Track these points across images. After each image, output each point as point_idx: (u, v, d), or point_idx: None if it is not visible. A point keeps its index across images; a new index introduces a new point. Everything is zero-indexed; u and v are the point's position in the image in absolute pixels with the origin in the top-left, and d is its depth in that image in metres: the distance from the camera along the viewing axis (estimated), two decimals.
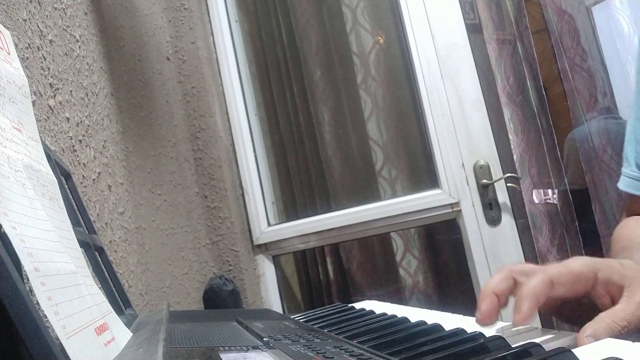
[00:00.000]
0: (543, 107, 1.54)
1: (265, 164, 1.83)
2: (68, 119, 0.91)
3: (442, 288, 1.82)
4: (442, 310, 0.68)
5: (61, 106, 0.90)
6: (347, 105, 1.83)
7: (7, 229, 0.38)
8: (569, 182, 1.54)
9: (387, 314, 0.66)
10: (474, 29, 1.56)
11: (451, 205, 1.52)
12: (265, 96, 1.88)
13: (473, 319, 0.57)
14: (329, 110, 1.84)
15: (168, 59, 1.64)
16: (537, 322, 1.38)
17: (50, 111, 0.85)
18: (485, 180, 1.49)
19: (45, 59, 0.87)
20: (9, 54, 0.55)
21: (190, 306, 1.40)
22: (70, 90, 0.95)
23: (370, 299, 0.94)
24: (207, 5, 1.79)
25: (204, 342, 0.55)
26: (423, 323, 0.58)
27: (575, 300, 0.51)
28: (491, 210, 1.49)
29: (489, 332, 0.50)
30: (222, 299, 1.49)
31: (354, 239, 1.77)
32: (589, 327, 0.45)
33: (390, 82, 1.78)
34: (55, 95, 0.88)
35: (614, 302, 0.49)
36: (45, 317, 0.37)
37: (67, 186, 0.72)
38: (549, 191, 1.54)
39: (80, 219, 0.71)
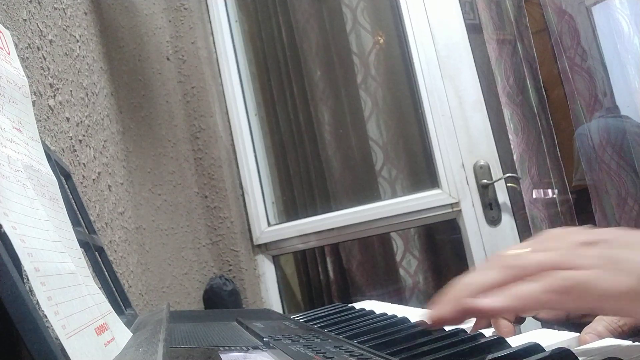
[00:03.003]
0: (543, 107, 1.54)
1: (265, 164, 1.82)
2: (68, 119, 0.91)
3: (442, 288, 1.81)
4: None
5: (61, 106, 0.90)
6: (347, 105, 1.83)
7: (7, 229, 0.38)
8: (580, 177, 1.53)
9: (387, 314, 0.66)
10: (474, 29, 1.56)
11: (451, 205, 1.52)
12: (265, 96, 1.88)
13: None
14: (329, 110, 1.84)
15: (168, 59, 1.64)
16: (537, 323, 1.38)
17: (50, 111, 0.85)
18: (485, 180, 1.49)
19: (45, 59, 0.87)
20: (9, 54, 0.55)
21: (190, 306, 1.40)
22: (70, 90, 0.95)
23: (370, 299, 0.94)
24: (207, 5, 1.79)
25: (204, 342, 0.55)
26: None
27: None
28: (491, 210, 1.49)
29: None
30: (222, 299, 1.49)
31: (354, 239, 1.77)
32: (589, 327, 0.47)
33: (390, 82, 1.78)
34: (55, 95, 0.88)
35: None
36: (45, 317, 0.37)
37: (67, 186, 0.72)
38: (549, 191, 1.53)
39: (80, 219, 0.71)
